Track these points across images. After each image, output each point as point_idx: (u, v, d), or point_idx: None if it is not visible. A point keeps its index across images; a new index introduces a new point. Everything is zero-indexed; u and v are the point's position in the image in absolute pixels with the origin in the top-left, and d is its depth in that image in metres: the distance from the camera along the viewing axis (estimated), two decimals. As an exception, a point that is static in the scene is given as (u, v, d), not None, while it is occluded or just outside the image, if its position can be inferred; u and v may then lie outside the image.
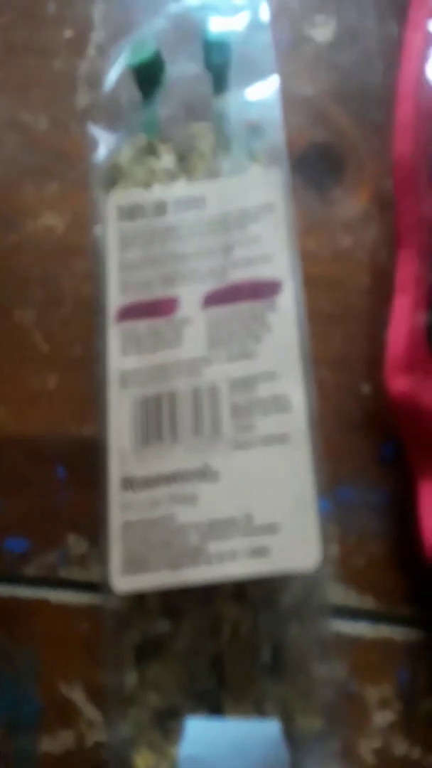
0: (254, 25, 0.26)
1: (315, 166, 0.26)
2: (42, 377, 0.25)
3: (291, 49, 0.27)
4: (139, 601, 0.22)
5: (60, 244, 0.27)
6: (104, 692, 0.22)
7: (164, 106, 0.26)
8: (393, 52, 0.27)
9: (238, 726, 0.19)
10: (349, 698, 0.22)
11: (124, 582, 0.20)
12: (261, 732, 0.19)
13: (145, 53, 0.25)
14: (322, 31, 0.27)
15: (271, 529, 0.20)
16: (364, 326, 0.24)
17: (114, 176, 0.25)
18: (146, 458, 0.21)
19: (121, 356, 0.23)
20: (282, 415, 0.21)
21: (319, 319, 0.24)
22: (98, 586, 0.23)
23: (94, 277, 0.25)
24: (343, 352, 0.24)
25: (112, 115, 0.27)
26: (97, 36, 0.29)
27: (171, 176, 0.25)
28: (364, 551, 0.23)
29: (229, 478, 0.21)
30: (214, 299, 0.23)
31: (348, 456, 0.23)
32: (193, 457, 0.21)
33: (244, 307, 0.22)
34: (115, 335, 0.23)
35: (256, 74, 0.26)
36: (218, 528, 0.20)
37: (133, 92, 0.26)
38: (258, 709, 0.20)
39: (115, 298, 0.23)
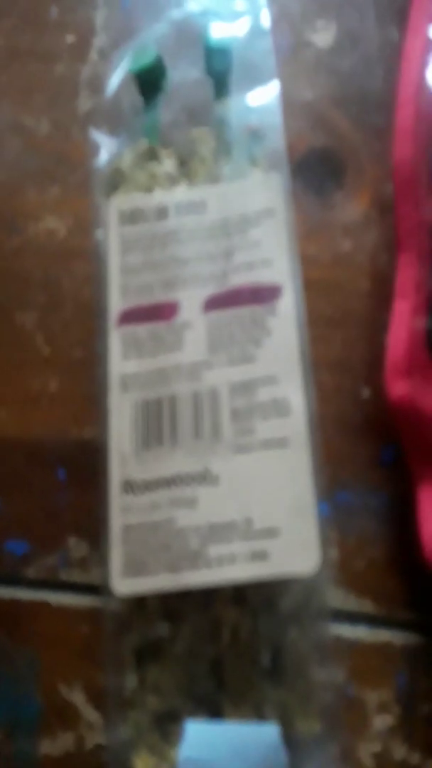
0: (255, 30, 0.26)
1: (315, 170, 0.26)
2: (43, 380, 0.26)
3: (291, 54, 0.27)
4: (139, 603, 0.22)
5: (61, 248, 0.27)
6: (104, 694, 0.22)
7: (165, 111, 0.26)
8: (393, 57, 0.27)
9: (237, 729, 0.19)
10: (348, 702, 0.22)
11: (124, 585, 0.21)
12: (260, 735, 0.19)
13: (147, 58, 0.25)
14: (323, 37, 0.27)
15: (270, 532, 0.20)
16: (364, 330, 0.24)
17: (115, 180, 0.25)
18: (147, 461, 0.22)
19: (122, 360, 0.23)
20: (282, 419, 0.21)
21: (319, 323, 0.25)
22: (98, 589, 0.23)
23: (95, 281, 0.26)
24: (343, 355, 0.24)
25: (113, 120, 0.27)
26: (99, 41, 0.29)
27: (172, 181, 0.25)
28: (364, 555, 0.23)
29: (229, 481, 0.21)
30: (215, 303, 0.23)
31: (347, 460, 0.23)
32: (193, 461, 0.21)
33: (244, 312, 0.22)
34: (116, 339, 0.23)
35: (256, 79, 0.26)
36: (218, 531, 0.20)
37: (134, 97, 0.26)
38: (257, 713, 0.20)
39: (116, 302, 0.23)
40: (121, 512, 0.21)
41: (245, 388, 0.22)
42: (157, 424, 0.22)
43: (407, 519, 0.22)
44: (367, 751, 0.21)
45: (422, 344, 0.22)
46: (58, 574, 0.24)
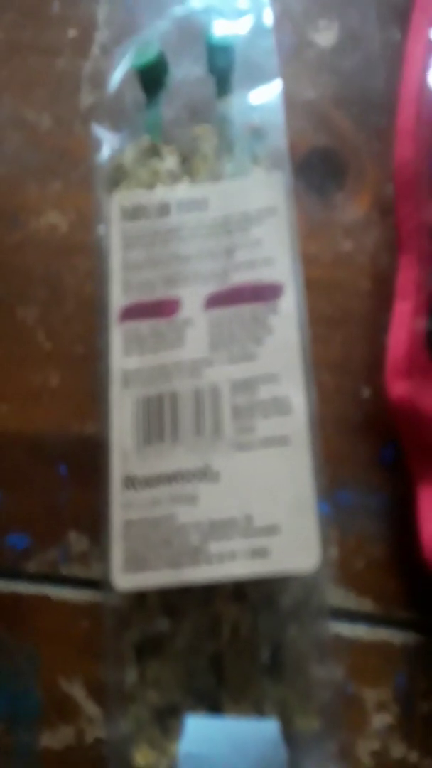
0: (257, 29, 0.26)
1: (317, 170, 0.26)
2: (44, 375, 0.26)
3: (294, 53, 0.27)
4: (139, 599, 0.22)
5: (63, 243, 0.27)
6: (104, 689, 0.22)
7: (168, 107, 0.26)
8: (395, 58, 0.27)
9: (237, 725, 0.19)
10: (347, 700, 0.22)
11: (124, 580, 0.21)
12: (260, 731, 0.19)
13: (149, 55, 0.25)
14: (325, 36, 0.28)
15: (271, 530, 0.20)
16: (364, 330, 0.24)
17: (117, 177, 0.25)
18: (148, 458, 0.22)
19: (124, 356, 0.23)
20: (282, 418, 0.21)
21: (320, 323, 0.25)
22: (99, 584, 0.23)
23: (97, 276, 0.26)
24: (344, 355, 0.24)
25: (115, 116, 0.27)
26: (101, 36, 0.29)
27: (174, 178, 0.25)
28: (363, 554, 0.23)
29: (230, 479, 0.21)
30: (216, 301, 0.23)
31: (348, 459, 0.23)
32: (194, 458, 0.21)
33: (245, 310, 0.23)
34: (117, 335, 0.23)
35: (259, 78, 0.26)
36: (218, 528, 0.21)
37: (137, 93, 0.26)
38: (257, 709, 0.21)
39: (117, 298, 0.23)
40: (122, 508, 0.21)
41: (246, 385, 0.22)
42: (158, 420, 0.22)
43: (407, 519, 0.23)
44: (365, 749, 0.21)
45: (422, 345, 0.22)
46: (59, 569, 0.24)
